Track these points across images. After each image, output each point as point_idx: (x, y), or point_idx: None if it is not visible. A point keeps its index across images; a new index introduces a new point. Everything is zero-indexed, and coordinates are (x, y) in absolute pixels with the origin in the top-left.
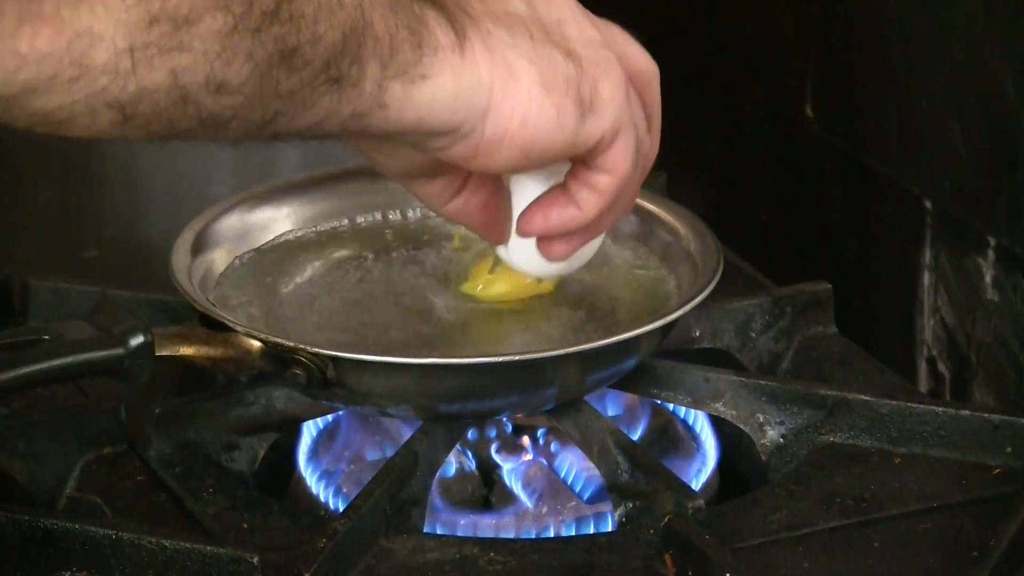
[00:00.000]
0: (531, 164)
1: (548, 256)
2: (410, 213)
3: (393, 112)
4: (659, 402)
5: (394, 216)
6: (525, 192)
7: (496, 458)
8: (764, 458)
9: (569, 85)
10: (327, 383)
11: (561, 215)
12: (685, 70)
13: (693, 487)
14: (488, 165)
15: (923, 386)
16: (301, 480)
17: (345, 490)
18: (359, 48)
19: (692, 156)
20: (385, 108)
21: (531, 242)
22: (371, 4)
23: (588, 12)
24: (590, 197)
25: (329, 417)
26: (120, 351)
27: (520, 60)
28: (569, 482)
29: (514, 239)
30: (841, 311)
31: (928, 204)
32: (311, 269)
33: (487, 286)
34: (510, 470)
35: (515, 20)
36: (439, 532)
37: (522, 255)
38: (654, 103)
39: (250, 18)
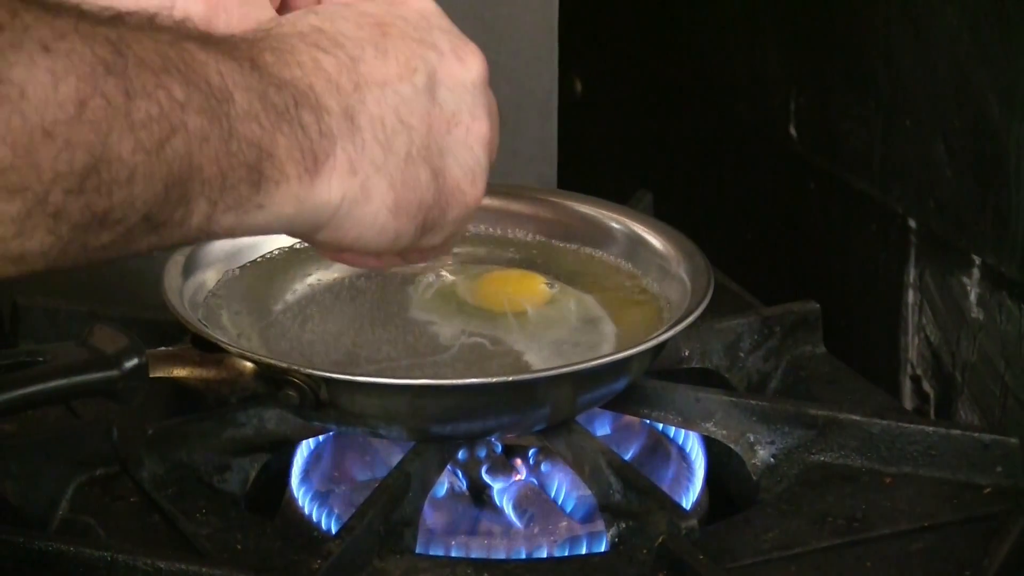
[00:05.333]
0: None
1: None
2: None
3: (222, 235)
4: (650, 422)
5: None
6: None
7: (487, 478)
8: (755, 478)
9: (420, 210)
10: (320, 404)
11: (357, 260)
12: (671, 91)
13: (684, 507)
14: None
15: (908, 405)
16: (292, 501)
17: (336, 511)
18: (184, 194)
19: (677, 176)
20: (214, 234)
21: None
22: (202, 150)
23: (487, 90)
24: (394, 261)
25: (320, 438)
26: (115, 373)
27: (381, 184)
28: (560, 502)
29: None
30: (825, 329)
31: (912, 223)
32: (303, 288)
33: (475, 293)
34: (501, 490)
35: (401, 128)
36: (431, 553)
37: None
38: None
39: (48, 201)
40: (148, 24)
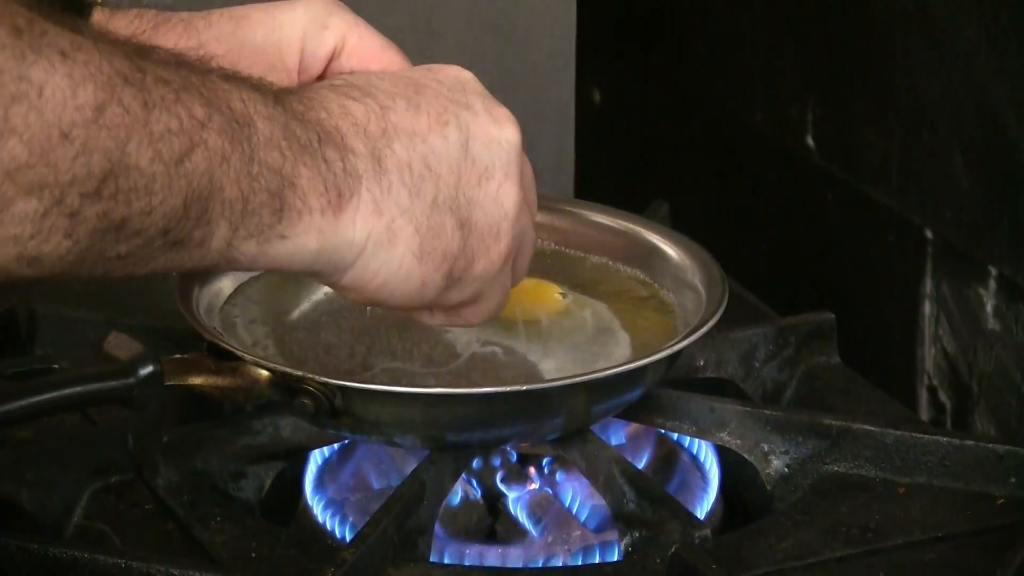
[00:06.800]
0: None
1: None
2: None
3: (244, 263)
4: (664, 431)
5: None
6: None
7: (501, 487)
8: (769, 487)
9: (445, 260)
10: (335, 412)
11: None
12: (688, 101)
13: (698, 516)
14: (339, 292)
15: (924, 415)
16: (307, 509)
17: (351, 519)
18: (204, 213)
19: (694, 186)
20: (235, 261)
21: None
22: (223, 169)
23: (522, 155)
24: (437, 318)
25: (335, 446)
26: (130, 380)
27: (407, 227)
28: (574, 511)
29: None
30: (842, 340)
31: (929, 234)
32: (318, 296)
33: None
34: (515, 499)
35: (428, 175)
36: (446, 561)
37: None
38: (522, 269)
39: (65, 203)
40: (172, 55)
